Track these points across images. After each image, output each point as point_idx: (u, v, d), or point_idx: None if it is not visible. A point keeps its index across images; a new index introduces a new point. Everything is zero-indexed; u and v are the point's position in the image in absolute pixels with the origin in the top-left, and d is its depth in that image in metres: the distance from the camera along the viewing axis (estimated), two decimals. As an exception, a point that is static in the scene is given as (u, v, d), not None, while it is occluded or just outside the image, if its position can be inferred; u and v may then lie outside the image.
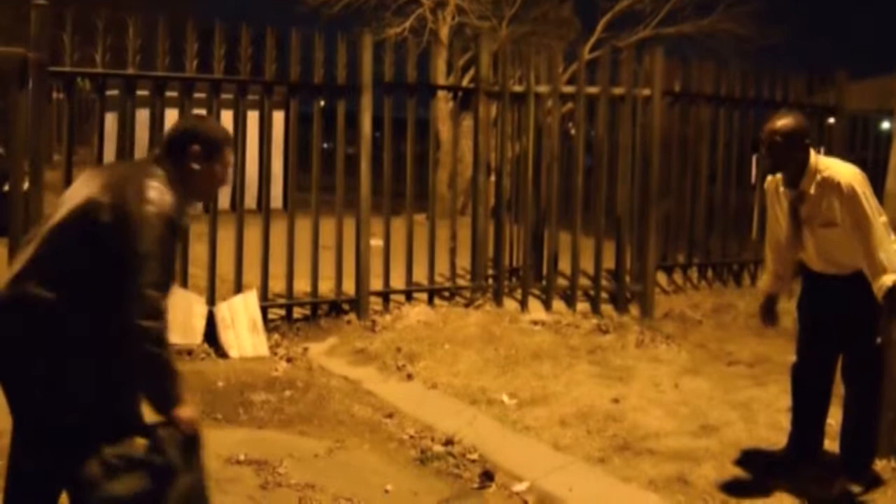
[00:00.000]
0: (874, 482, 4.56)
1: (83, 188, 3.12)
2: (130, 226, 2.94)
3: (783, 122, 4.41)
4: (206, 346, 7.10)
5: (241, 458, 4.94)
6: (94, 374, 3.02)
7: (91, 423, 3.03)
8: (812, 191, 4.38)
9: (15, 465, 3.22)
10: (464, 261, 8.88)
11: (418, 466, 5.06)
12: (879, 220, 4.34)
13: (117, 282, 2.92)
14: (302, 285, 7.97)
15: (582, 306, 8.66)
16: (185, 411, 3.03)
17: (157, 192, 3.02)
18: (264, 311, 7.60)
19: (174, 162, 3.16)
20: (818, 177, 4.36)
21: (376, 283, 8.25)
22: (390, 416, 5.90)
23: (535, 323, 7.96)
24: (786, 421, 5.12)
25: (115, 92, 7.55)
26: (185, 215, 3.19)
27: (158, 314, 2.93)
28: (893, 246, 4.31)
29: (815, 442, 4.88)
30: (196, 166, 3.17)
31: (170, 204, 3.03)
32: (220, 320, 7.20)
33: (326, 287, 8.10)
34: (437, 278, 8.71)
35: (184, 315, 7.11)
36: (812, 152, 4.41)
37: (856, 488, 4.47)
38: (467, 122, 11.22)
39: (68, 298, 2.97)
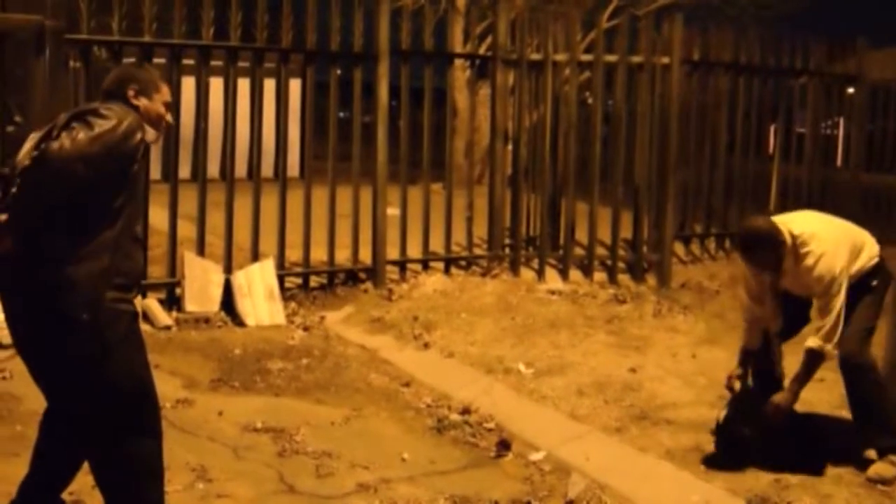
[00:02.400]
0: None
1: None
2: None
3: (753, 243, 4.48)
4: (222, 314, 7.14)
5: (259, 425, 4.98)
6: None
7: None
8: (789, 266, 4.50)
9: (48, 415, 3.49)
10: (480, 230, 8.86)
11: (435, 435, 5.08)
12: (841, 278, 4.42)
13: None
14: (318, 254, 7.97)
15: (599, 276, 8.64)
16: None
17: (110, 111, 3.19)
18: (281, 279, 7.62)
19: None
20: (798, 255, 4.45)
21: (393, 252, 8.25)
22: (407, 384, 5.92)
23: (552, 292, 7.95)
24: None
25: (131, 60, 7.53)
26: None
27: None
28: (841, 319, 4.43)
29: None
30: (136, 103, 3.34)
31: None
32: (237, 288, 7.22)
33: (343, 256, 8.11)
34: (454, 247, 8.70)
35: (201, 283, 7.15)
36: (785, 237, 4.45)
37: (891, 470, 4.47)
38: (484, 91, 11.13)
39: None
